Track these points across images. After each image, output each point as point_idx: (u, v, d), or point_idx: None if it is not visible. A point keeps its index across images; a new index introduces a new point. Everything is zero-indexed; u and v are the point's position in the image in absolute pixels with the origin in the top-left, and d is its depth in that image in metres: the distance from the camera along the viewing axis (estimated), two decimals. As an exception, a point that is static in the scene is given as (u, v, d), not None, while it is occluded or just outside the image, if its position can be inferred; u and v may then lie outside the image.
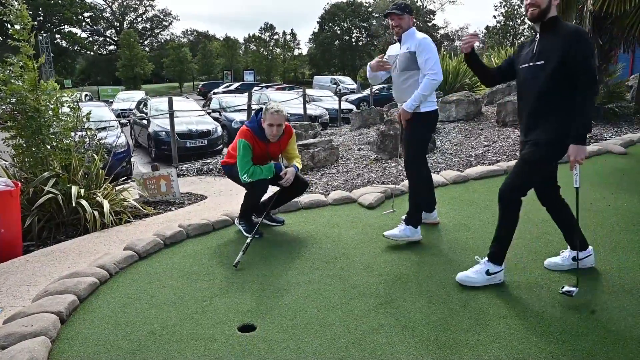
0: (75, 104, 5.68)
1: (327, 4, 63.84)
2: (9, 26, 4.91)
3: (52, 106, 5.07)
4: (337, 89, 24.13)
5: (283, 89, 27.90)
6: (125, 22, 59.62)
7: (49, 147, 4.98)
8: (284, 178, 4.01)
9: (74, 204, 4.60)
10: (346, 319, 2.58)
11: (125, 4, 59.73)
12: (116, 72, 49.87)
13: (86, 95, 23.53)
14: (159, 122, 10.97)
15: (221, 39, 64.49)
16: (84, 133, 5.64)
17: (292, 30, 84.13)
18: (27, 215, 4.55)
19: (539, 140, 2.73)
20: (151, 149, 11.08)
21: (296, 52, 67.43)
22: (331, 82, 31.09)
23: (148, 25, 62.11)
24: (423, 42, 3.57)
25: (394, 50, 3.83)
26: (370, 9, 56.50)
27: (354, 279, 3.06)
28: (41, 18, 45.12)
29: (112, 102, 23.12)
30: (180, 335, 2.46)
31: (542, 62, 2.70)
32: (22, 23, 4.70)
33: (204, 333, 2.48)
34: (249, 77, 46.12)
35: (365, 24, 57.45)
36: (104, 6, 58.40)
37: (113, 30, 59.11)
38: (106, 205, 4.84)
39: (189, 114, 11.72)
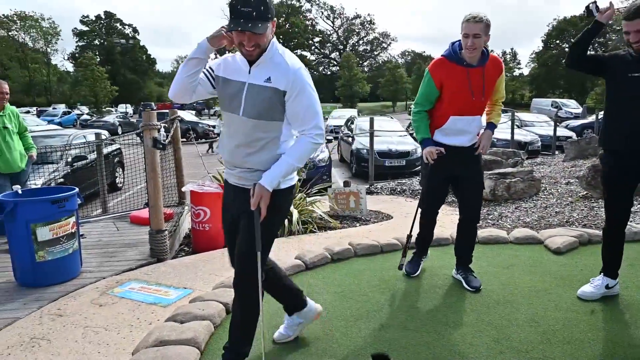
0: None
1: (555, 19, 58.02)
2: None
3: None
4: (556, 113, 21.76)
5: (503, 111, 26.45)
6: (348, 45, 64.89)
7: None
8: (480, 144, 3.21)
9: (268, 210, 5.20)
10: (491, 375, 2.32)
11: (349, 28, 65.02)
12: (335, 91, 54.50)
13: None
14: (362, 139, 11.59)
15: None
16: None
17: (512, 49, 79.28)
18: (232, 214, 5.32)
19: None
20: (353, 165, 11.76)
21: (516, 72, 63.25)
22: (552, 105, 28.15)
23: (368, 47, 66.38)
24: (300, 76, 2.11)
25: (235, 70, 2.17)
26: (609, 22, 49.37)
27: (512, 331, 2.73)
28: (281, 43, 52.47)
29: (327, 119, 25.34)
30: (315, 349, 2.57)
31: None
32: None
33: (341, 354, 2.53)
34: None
35: (601, 39, 50.43)
36: (332, 31, 64.72)
37: (337, 53, 64.95)
38: (295, 214, 5.34)
39: (392, 134, 12.06)
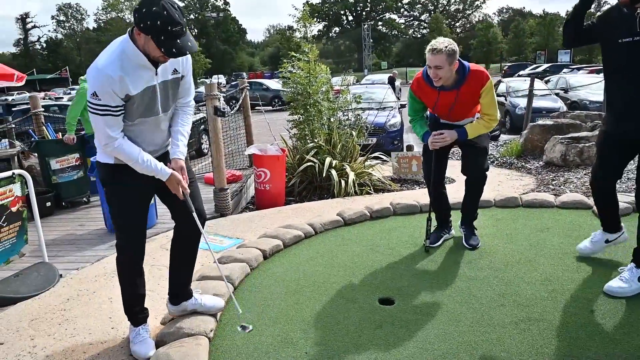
0: (345, 87, 6.70)
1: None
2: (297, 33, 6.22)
3: (324, 89, 6.14)
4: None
5: (598, 72, 24.13)
6: (438, 6, 61.90)
7: (317, 124, 6.08)
8: (438, 138, 3.23)
9: (324, 173, 5.55)
10: (479, 325, 2.49)
11: (441, -14, 61.92)
12: (424, 55, 52.75)
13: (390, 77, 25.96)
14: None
15: (538, 15, 59.76)
16: (351, 113, 6.62)
17: None
18: (293, 176, 5.75)
19: None
20: (428, 130, 11.67)
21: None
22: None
23: (460, 7, 62.76)
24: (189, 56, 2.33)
25: (141, 78, 2.14)
26: None
27: (521, 288, 2.85)
28: (368, 8, 51.53)
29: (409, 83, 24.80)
30: (331, 290, 2.92)
31: None
32: (305, 26, 5.88)
33: (351, 295, 2.86)
34: (564, 58, 41.46)
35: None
36: (422, -9, 62.11)
37: (427, 14, 62.32)
38: (351, 176, 5.64)
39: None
